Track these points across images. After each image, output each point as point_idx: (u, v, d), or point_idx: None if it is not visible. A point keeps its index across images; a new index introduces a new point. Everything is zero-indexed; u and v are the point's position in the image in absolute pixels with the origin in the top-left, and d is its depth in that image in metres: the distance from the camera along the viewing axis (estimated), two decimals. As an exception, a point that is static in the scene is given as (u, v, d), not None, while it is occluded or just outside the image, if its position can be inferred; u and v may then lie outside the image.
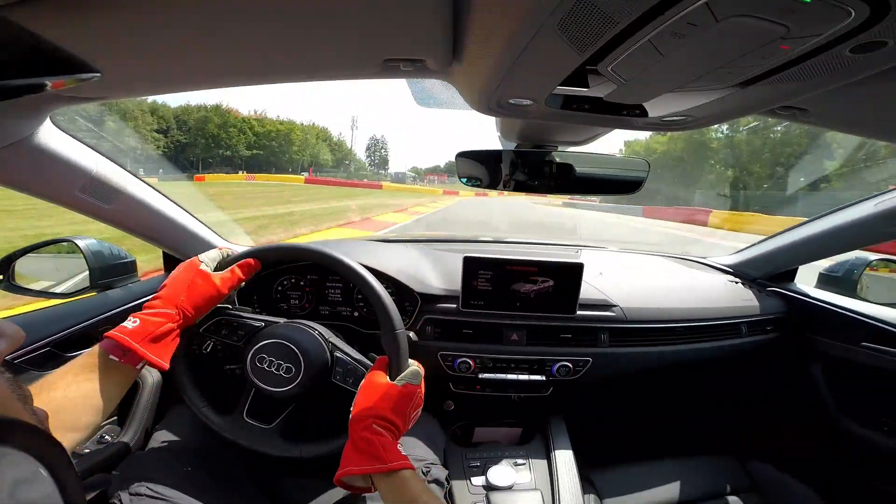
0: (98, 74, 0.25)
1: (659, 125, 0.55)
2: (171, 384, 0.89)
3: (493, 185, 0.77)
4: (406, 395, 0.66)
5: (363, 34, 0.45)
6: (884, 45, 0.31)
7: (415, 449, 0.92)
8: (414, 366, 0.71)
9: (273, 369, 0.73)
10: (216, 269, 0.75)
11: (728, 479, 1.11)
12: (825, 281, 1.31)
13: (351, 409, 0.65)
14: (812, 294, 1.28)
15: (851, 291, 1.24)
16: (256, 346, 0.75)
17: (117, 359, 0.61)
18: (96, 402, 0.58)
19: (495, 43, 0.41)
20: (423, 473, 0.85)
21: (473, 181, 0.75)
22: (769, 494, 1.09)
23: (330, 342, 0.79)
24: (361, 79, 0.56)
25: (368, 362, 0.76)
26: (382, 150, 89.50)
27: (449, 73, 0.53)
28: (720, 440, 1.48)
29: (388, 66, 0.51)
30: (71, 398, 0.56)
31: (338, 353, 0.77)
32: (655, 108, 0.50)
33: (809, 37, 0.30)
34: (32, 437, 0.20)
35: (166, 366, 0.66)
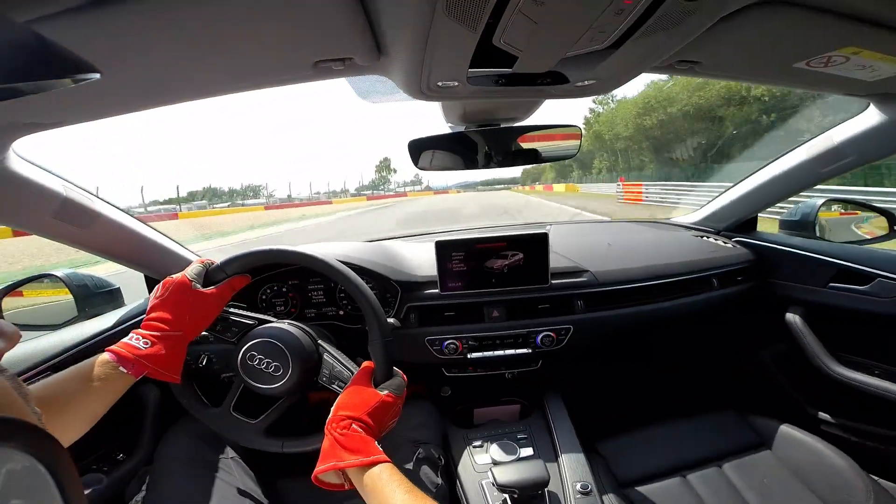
0: (98, 75, 0.27)
1: (573, 91, 0.60)
2: (170, 398, 0.92)
3: (446, 167, 0.81)
4: (386, 404, 0.67)
5: (290, 41, 0.49)
6: None
7: (408, 431, 0.96)
8: (398, 376, 0.74)
9: (263, 367, 0.77)
10: (204, 283, 0.76)
11: (734, 434, 1.10)
12: (786, 226, 1.34)
13: (332, 409, 0.68)
14: (774, 239, 1.31)
15: (811, 233, 1.27)
16: (248, 345, 0.78)
17: (126, 370, 0.64)
18: (95, 410, 0.61)
19: (407, 31, 0.45)
20: (414, 453, 0.88)
21: (428, 164, 0.80)
22: (779, 448, 1.05)
23: (319, 344, 0.82)
24: (299, 82, 0.60)
25: (355, 367, 0.78)
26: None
27: (379, 66, 0.58)
28: (717, 397, 1.45)
29: (320, 68, 0.55)
30: (73, 405, 0.59)
31: (325, 356, 0.80)
32: (567, 75, 0.55)
33: None
34: (34, 437, 0.20)
35: (178, 379, 0.71)
